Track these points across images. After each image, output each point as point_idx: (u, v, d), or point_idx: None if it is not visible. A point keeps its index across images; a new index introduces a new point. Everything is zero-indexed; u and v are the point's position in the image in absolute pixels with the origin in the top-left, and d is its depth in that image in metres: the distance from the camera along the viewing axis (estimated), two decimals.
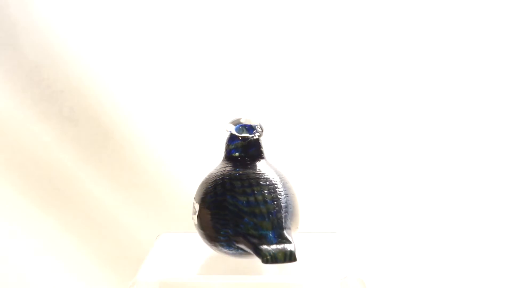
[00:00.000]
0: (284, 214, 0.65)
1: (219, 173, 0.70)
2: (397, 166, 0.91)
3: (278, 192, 0.66)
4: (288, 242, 0.63)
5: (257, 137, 0.70)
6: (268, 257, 0.61)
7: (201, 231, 0.69)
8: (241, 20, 0.94)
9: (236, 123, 0.72)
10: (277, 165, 0.75)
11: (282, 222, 0.64)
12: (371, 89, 0.92)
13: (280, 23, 0.94)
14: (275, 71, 0.94)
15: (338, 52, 0.92)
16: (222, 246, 0.68)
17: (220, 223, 0.66)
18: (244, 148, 0.70)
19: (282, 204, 0.65)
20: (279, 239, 0.63)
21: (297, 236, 0.74)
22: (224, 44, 0.95)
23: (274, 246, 0.62)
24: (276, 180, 0.68)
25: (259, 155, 0.71)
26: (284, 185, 0.68)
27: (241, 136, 0.70)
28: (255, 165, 0.70)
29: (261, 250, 0.62)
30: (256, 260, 0.66)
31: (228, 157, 0.71)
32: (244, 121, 0.71)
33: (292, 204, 0.67)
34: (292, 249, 0.62)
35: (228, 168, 0.69)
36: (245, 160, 0.70)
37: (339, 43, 0.92)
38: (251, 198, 0.65)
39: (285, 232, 0.64)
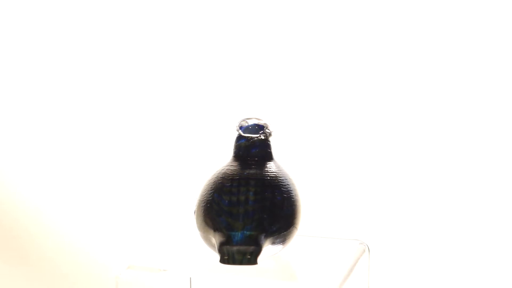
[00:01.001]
0: (265, 216, 0.64)
1: (216, 172, 0.70)
2: (419, 168, 0.90)
3: (267, 194, 0.66)
4: (256, 244, 0.62)
5: (262, 137, 0.70)
6: (226, 257, 0.61)
7: (197, 229, 0.70)
8: (250, 20, 0.94)
9: (245, 122, 0.72)
10: (288, 167, 0.74)
11: (259, 224, 0.63)
12: (388, 90, 0.90)
13: (291, 23, 0.93)
14: (292, 72, 0.93)
15: (349, 55, 0.91)
16: (208, 245, 0.68)
17: (205, 221, 0.66)
18: (247, 148, 0.70)
19: (267, 206, 0.65)
20: (247, 240, 0.62)
21: (298, 239, 0.74)
22: (238, 47, 0.96)
23: (236, 247, 0.61)
24: (272, 181, 0.67)
25: (265, 155, 0.70)
26: (283, 187, 0.67)
27: (245, 136, 0.71)
28: (259, 166, 0.69)
29: (221, 249, 0.61)
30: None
31: (235, 156, 0.71)
32: (251, 121, 0.71)
33: (285, 206, 0.66)
34: (254, 252, 0.61)
35: (228, 167, 0.70)
36: (250, 160, 0.70)
37: (347, 46, 0.91)
38: (234, 198, 0.65)
39: (259, 234, 0.63)
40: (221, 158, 0.81)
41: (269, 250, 0.67)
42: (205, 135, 0.96)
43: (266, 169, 0.69)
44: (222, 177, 0.68)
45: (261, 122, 0.71)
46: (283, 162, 0.78)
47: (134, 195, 1.01)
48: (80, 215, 1.04)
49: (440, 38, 0.88)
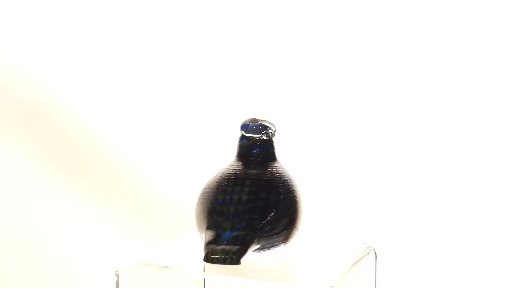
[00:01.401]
0: (256, 216, 0.64)
1: (217, 171, 0.70)
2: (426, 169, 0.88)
3: (261, 194, 0.65)
4: (242, 244, 0.61)
5: (264, 138, 0.70)
6: (210, 256, 0.60)
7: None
8: (257, 22, 0.94)
9: (247, 122, 0.71)
10: (299, 169, 0.74)
11: (249, 224, 0.63)
12: (397, 92, 0.88)
13: (295, 24, 0.92)
14: (302, 74, 0.93)
15: (357, 57, 0.90)
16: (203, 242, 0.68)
17: (200, 219, 0.67)
18: (249, 148, 0.70)
19: (260, 206, 0.64)
20: (233, 240, 0.62)
21: (304, 240, 0.75)
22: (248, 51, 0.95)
23: (221, 247, 0.61)
24: (269, 182, 0.67)
25: (267, 156, 0.70)
26: (281, 188, 0.67)
27: (247, 136, 0.70)
28: (260, 166, 0.69)
29: (206, 247, 0.61)
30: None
31: (238, 156, 0.71)
32: (253, 121, 0.71)
33: (280, 207, 0.66)
34: (238, 252, 0.60)
35: (229, 167, 0.70)
36: (252, 160, 0.69)
37: (354, 48, 0.90)
38: (227, 197, 0.65)
39: (247, 234, 0.62)
40: (229, 158, 0.82)
41: (267, 250, 0.67)
42: (217, 134, 0.96)
43: (266, 169, 0.68)
44: (220, 176, 0.68)
45: (264, 122, 0.71)
46: (293, 164, 0.77)
47: (147, 192, 1.02)
48: (90, 213, 1.06)
49: (441, 39, 0.86)
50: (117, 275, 0.71)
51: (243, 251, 0.60)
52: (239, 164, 0.69)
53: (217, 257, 0.60)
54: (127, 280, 0.71)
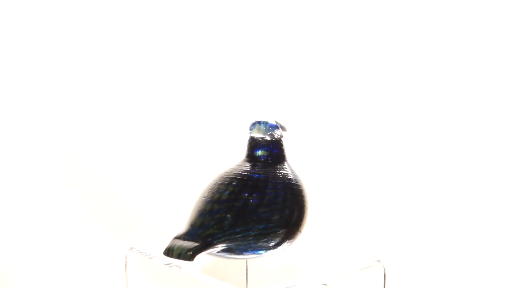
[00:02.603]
0: (228, 216, 0.64)
1: (223, 170, 0.71)
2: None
3: (243, 195, 0.65)
4: (202, 242, 0.62)
5: (268, 139, 0.70)
6: (168, 250, 0.62)
7: None
8: (267, 23, 0.93)
9: (254, 122, 0.71)
10: (307, 173, 0.74)
11: (217, 224, 0.64)
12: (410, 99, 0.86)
13: (305, 26, 0.90)
14: (316, 76, 0.91)
15: (367, 60, 0.88)
16: None
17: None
18: (253, 148, 0.70)
19: (236, 207, 0.64)
20: (196, 237, 0.63)
21: (300, 242, 0.75)
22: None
23: (181, 242, 0.62)
24: (258, 183, 0.66)
25: (272, 156, 0.70)
26: (270, 190, 0.66)
27: (252, 136, 0.71)
28: (264, 167, 0.69)
29: (170, 241, 0.63)
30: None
31: (246, 156, 0.71)
32: (260, 121, 0.71)
33: (263, 209, 0.65)
34: (193, 249, 0.61)
35: (233, 166, 0.70)
36: (259, 160, 0.70)
37: (364, 51, 0.87)
38: (210, 196, 0.66)
39: (213, 233, 0.63)
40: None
41: (252, 252, 0.67)
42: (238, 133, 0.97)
43: (267, 170, 0.68)
44: (218, 174, 0.69)
45: (271, 123, 0.70)
46: (309, 168, 0.77)
47: (172, 189, 1.06)
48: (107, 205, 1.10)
49: (448, 40, 0.83)
50: (126, 259, 0.74)
51: (199, 249, 0.62)
52: (245, 164, 0.70)
53: (172, 252, 0.62)
54: (134, 268, 0.75)
